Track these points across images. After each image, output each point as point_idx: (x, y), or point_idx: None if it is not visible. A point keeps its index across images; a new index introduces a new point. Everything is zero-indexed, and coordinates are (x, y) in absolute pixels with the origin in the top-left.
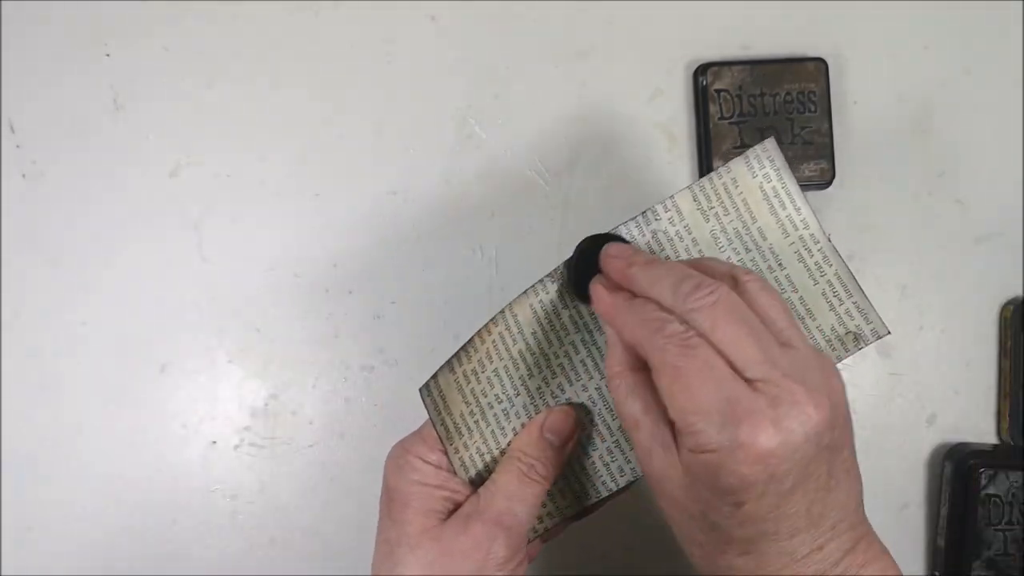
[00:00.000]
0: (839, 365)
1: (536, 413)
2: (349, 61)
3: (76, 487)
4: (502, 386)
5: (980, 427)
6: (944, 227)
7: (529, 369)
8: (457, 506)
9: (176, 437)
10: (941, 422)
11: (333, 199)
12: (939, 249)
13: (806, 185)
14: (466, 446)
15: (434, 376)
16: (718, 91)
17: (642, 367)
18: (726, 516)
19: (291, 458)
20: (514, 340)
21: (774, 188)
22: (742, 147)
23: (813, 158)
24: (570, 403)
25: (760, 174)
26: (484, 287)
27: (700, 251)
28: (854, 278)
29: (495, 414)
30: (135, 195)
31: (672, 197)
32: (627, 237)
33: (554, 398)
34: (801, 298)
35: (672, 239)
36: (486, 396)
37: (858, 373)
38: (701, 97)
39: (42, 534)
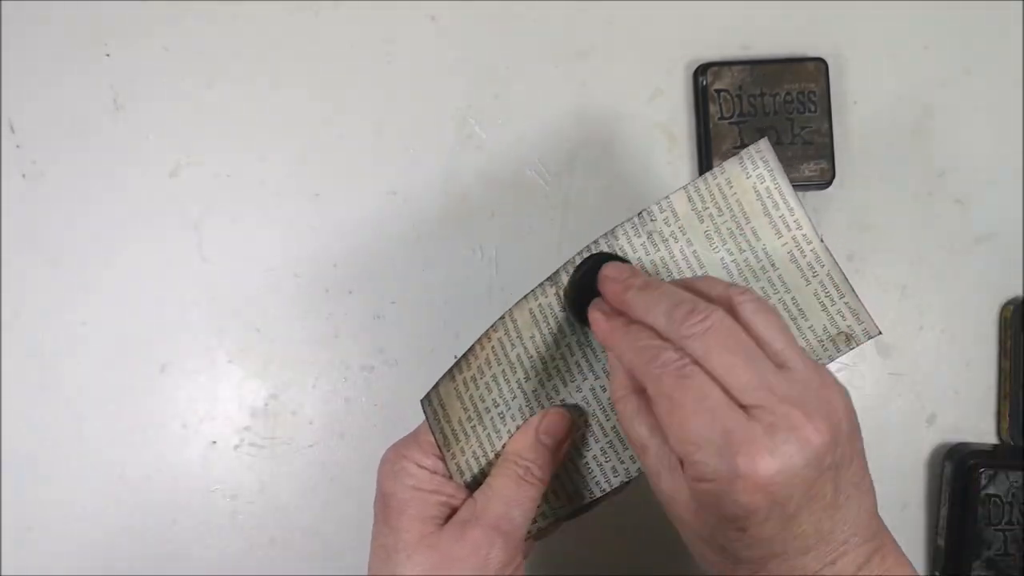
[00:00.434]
0: (834, 364)
1: (531, 415)
2: (349, 61)
3: (76, 487)
4: (499, 390)
5: (980, 427)
6: (944, 227)
7: (526, 372)
8: (453, 511)
9: (176, 437)
10: (941, 422)
11: (333, 199)
12: (939, 249)
13: (806, 185)
14: (462, 451)
15: (435, 386)
16: (718, 91)
17: (643, 388)
18: (732, 540)
19: (291, 458)
20: (512, 344)
21: (767, 189)
22: (742, 147)
23: (813, 158)
24: (564, 404)
25: (754, 175)
26: (484, 287)
27: (695, 251)
28: (846, 279)
29: (491, 418)
30: (135, 195)
31: (667, 198)
32: (623, 239)
33: (549, 400)
34: (793, 298)
35: (667, 239)
36: (484, 401)
37: (858, 373)
38: (701, 97)
39: (42, 534)
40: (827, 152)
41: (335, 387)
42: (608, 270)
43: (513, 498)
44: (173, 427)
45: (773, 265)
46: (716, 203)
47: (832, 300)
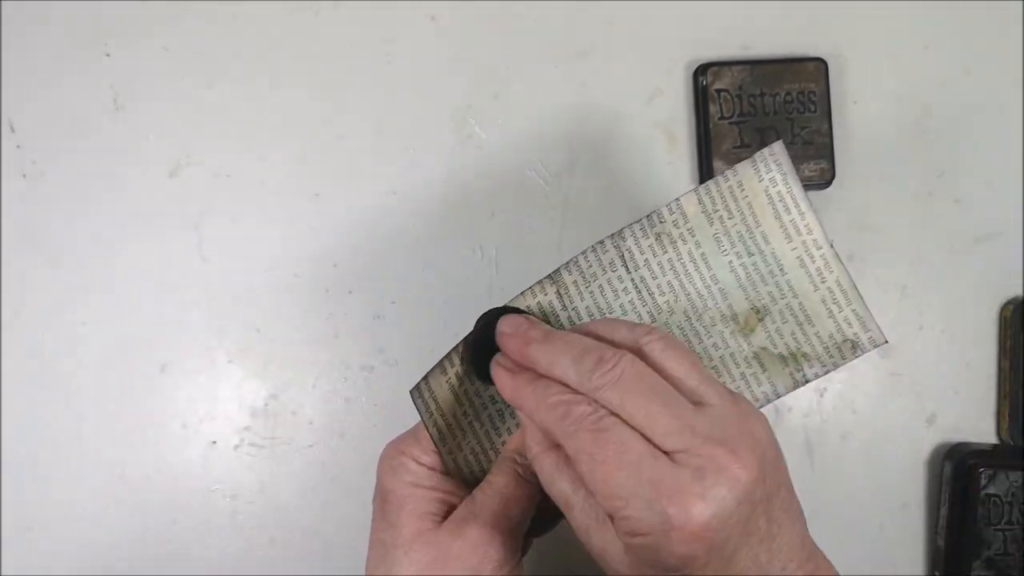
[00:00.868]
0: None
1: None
2: (349, 61)
3: (76, 487)
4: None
5: (980, 427)
6: (944, 227)
7: None
8: (452, 508)
9: (176, 437)
10: (941, 422)
11: (333, 199)
12: (939, 249)
13: (806, 185)
14: (460, 447)
15: (424, 378)
16: (718, 91)
17: (558, 444)
18: None
19: (291, 458)
20: None
21: (779, 193)
22: (742, 147)
23: (813, 158)
24: None
25: (767, 178)
26: (484, 287)
27: (703, 254)
28: (855, 286)
29: (489, 414)
30: (135, 195)
31: (678, 199)
32: (630, 240)
33: None
34: (800, 304)
35: (675, 241)
36: (480, 396)
37: (858, 373)
38: (701, 97)
39: (42, 534)
40: (827, 152)
41: (335, 387)
42: (504, 325)
43: (512, 496)
44: (173, 427)
45: (782, 270)
46: (727, 206)
47: (839, 307)
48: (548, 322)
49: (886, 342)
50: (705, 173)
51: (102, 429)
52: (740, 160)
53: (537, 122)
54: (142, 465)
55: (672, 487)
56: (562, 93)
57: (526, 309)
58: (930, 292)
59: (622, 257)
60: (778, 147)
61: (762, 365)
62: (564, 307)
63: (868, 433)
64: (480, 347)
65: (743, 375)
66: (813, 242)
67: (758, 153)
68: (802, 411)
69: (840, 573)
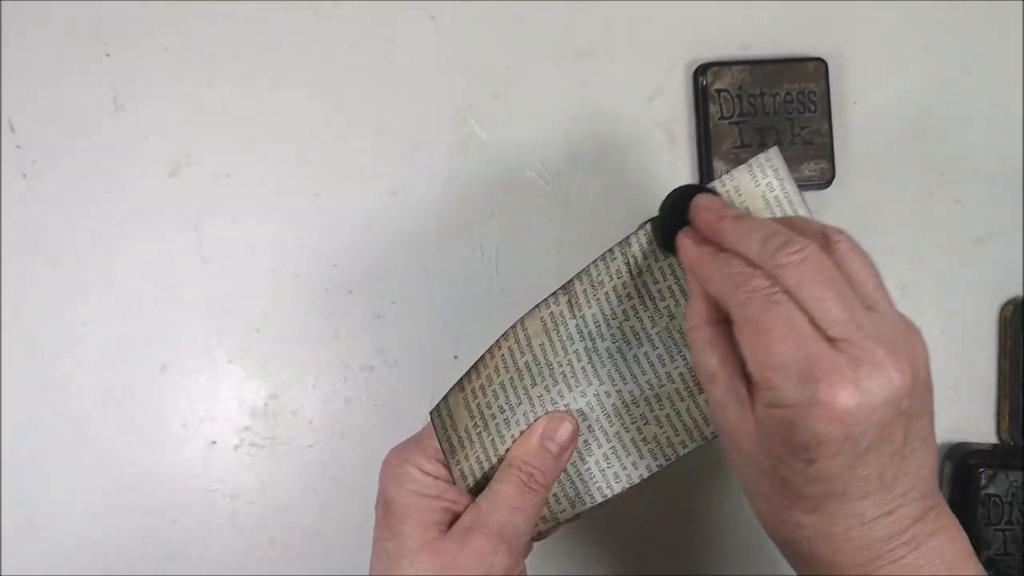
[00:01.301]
0: None
1: (534, 419)
2: (349, 61)
3: (76, 487)
4: (506, 397)
5: (980, 427)
6: (944, 227)
7: (532, 379)
8: (456, 516)
9: (176, 437)
10: (941, 422)
11: (333, 199)
12: (939, 249)
13: (806, 185)
14: (467, 457)
15: (444, 397)
16: (718, 91)
17: (719, 320)
18: (796, 472)
19: (291, 458)
20: (522, 352)
21: (777, 197)
22: (742, 147)
23: (813, 158)
24: (568, 408)
25: (763, 183)
26: (484, 287)
27: None
28: None
29: (497, 424)
30: (135, 195)
31: None
32: (636, 246)
33: (553, 404)
34: None
35: None
36: (490, 408)
37: None
38: (701, 97)
39: (42, 534)
40: (827, 152)
41: (335, 387)
42: (701, 200)
43: (517, 505)
44: (173, 427)
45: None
46: None
47: None
48: (557, 331)
49: None
50: (705, 173)
51: (102, 429)
52: (740, 160)
53: (537, 122)
54: (142, 465)
55: (827, 366)
56: (562, 93)
57: (540, 322)
58: (930, 292)
59: (628, 264)
60: (773, 152)
61: None
62: (573, 315)
63: None
64: (671, 220)
65: None
66: None
67: (754, 158)
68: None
69: None
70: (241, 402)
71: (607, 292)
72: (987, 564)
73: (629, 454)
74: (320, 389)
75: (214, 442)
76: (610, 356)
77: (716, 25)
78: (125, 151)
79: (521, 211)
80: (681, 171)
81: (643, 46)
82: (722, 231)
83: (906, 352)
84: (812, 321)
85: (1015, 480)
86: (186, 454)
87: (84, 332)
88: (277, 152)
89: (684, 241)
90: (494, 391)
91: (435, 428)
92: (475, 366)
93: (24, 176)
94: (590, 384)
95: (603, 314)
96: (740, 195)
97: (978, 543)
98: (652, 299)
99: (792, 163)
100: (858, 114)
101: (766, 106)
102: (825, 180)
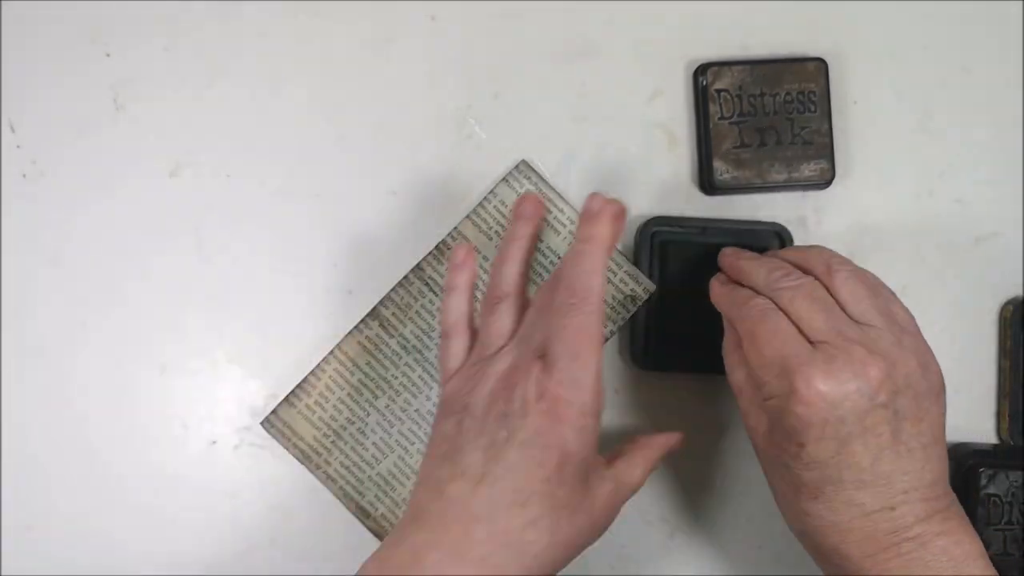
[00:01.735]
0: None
1: (390, 428)
2: (349, 61)
3: (76, 487)
4: (351, 411)
5: (980, 427)
6: (944, 227)
7: (373, 393)
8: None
9: (176, 437)
10: None
11: (333, 199)
12: (939, 249)
13: (806, 185)
14: (327, 462)
15: (274, 411)
16: (718, 91)
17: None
18: (793, 456)
19: (291, 458)
20: (351, 372)
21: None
22: (742, 147)
23: (813, 158)
24: (419, 413)
25: (522, 191)
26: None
27: (492, 265)
28: (620, 252)
29: (351, 433)
30: (135, 195)
31: (456, 228)
32: (429, 269)
33: (403, 411)
34: None
35: None
36: (336, 420)
37: None
38: (701, 97)
39: (42, 534)
40: (827, 152)
41: None
42: (727, 251)
43: (630, 490)
44: (173, 427)
45: (560, 258)
46: (498, 221)
47: (614, 272)
48: (379, 351)
49: (655, 287)
50: (705, 173)
51: (102, 429)
52: (740, 160)
53: (537, 122)
54: (142, 465)
55: (803, 361)
56: (562, 93)
57: (359, 345)
58: (930, 292)
59: (427, 284)
60: (523, 165)
61: None
62: (391, 335)
63: None
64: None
65: None
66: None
67: (508, 173)
68: None
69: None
70: (241, 402)
71: (417, 311)
72: None
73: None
74: None
75: (214, 442)
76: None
77: (716, 25)
78: (125, 151)
79: None
80: (681, 171)
81: (643, 46)
82: (740, 268)
83: (889, 354)
84: (799, 330)
85: (1015, 480)
86: (186, 454)
87: (84, 332)
88: (277, 152)
89: (713, 283)
90: (334, 406)
91: (274, 438)
92: (300, 386)
93: (24, 176)
94: (431, 388)
95: (421, 329)
96: (506, 206)
97: None
98: None
99: (792, 163)
100: (858, 114)
101: (766, 106)
102: (825, 180)
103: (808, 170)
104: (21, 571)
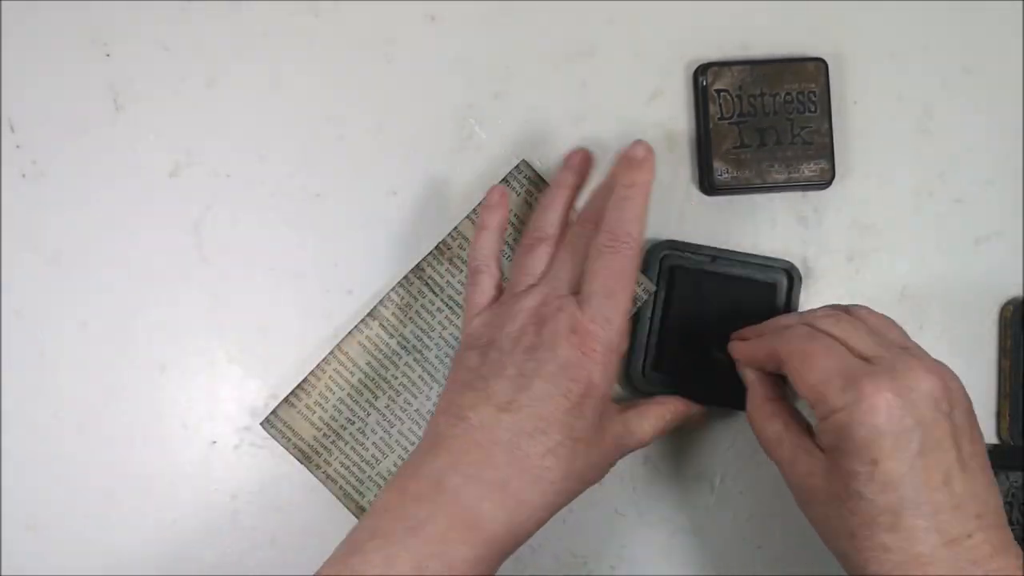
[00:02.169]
0: None
1: (390, 428)
2: (349, 61)
3: (76, 487)
4: (351, 410)
5: (980, 427)
6: (944, 227)
7: (373, 393)
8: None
9: (176, 437)
10: None
11: (333, 199)
12: (939, 249)
13: (806, 185)
14: (328, 462)
15: (274, 411)
16: (718, 91)
17: (776, 397)
18: (865, 480)
19: (291, 458)
20: (351, 372)
21: (532, 200)
22: (742, 147)
23: (813, 158)
24: (419, 412)
25: (523, 191)
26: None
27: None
28: None
29: (351, 433)
30: (135, 195)
31: (456, 227)
32: (429, 270)
33: (403, 411)
34: None
35: (466, 260)
36: (336, 420)
37: None
38: (701, 97)
39: (42, 534)
40: (827, 152)
41: None
42: (736, 343)
43: (632, 444)
44: (173, 427)
45: None
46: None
47: None
48: (379, 350)
49: (656, 288)
50: (705, 173)
51: (102, 429)
52: (740, 161)
53: (537, 122)
54: (142, 465)
55: (865, 372)
56: (562, 93)
57: (359, 344)
58: (930, 292)
59: (427, 284)
60: (523, 164)
61: None
62: (391, 335)
63: None
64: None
65: None
66: None
67: (508, 173)
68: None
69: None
70: (241, 402)
71: (417, 311)
72: None
73: None
74: None
75: (214, 442)
76: (440, 361)
77: (716, 25)
78: (125, 151)
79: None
80: (681, 171)
81: (643, 46)
82: (762, 327)
83: (937, 368)
84: (848, 348)
85: (1015, 480)
86: (186, 454)
87: (84, 332)
88: (277, 152)
89: (735, 344)
90: (334, 406)
91: (274, 437)
92: (300, 386)
93: (24, 176)
94: (431, 388)
95: (420, 329)
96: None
97: None
98: (461, 307)
99: (792, 163)
100: (858, 114)
101: (766, 106)
102: (825, 180)
103: (808, 170)
104: (21, 571)
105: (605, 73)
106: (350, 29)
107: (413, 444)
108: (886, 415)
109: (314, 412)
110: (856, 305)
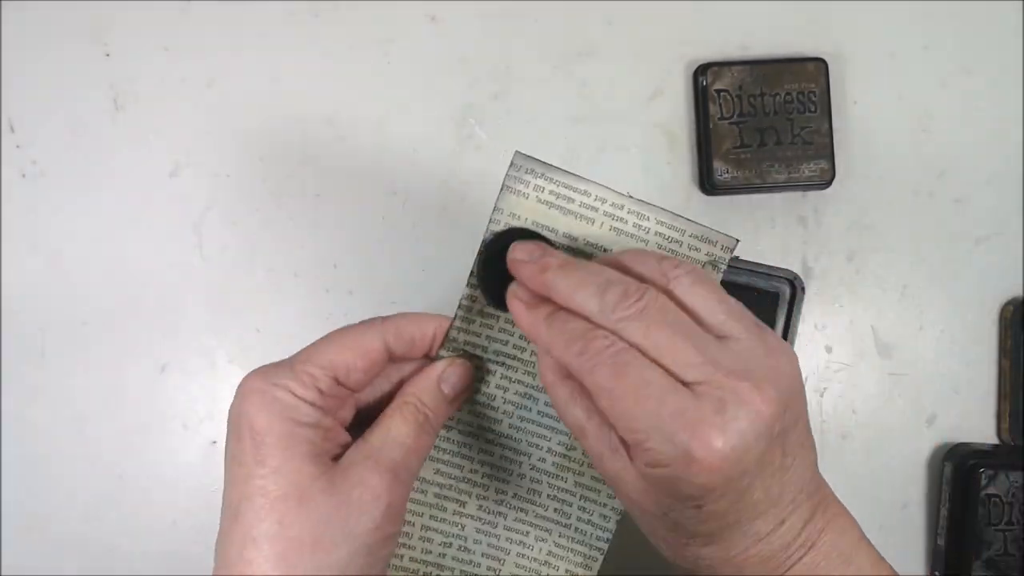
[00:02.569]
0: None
1: (493, 529)
2: (349, 61)
3: (76, 487)
4: (441, 532)
5: (980, 427)
6: (944, 227)
7: (456, 501)
8: (337, 448)
9: (176, 437)
10: (941, 422)
11: (333, 199)
12: (939, 249)
13: (806, 185)
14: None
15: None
16: (718, 91)
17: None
18: (688, 517)
19: None
20: (423, 492)
21: (552, 192)
22: (742, 147)
23: (813, 158)
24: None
25: (528, 191)
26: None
27: None
28: (676, 214)
29: (453, 557)
30: (135, 195)
31: (472, 270)
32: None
33: (499, 503)
34: None
35: None
36: (430, 552)
37: (858, 373)
38: (701, 97)
39: (42, 534)
40: (827, 152)
41: None
42: (517, 252)
43: (413, 446)
44: (173, 427)
45: (604, 250)
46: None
47: (678, 242)
48: (443, 451)
49: (738, 241)
50: (705, 173)
51: (102, 429)
52: (740, 161)
53: (537, 122)
54: (142, 465)
55: (693, 419)
56: (562, 93)
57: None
58: (930, 292)
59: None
60: (517, 158)
61: None
62: (448, 427)
63: (868, 433)
64: (493, 272)
65: None
66: (613, 206)
67: (505, 176)
68: None
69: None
70: None
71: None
72: (987, 564)
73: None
74: None
75: (214, 442)
76: (517, 429)
77: (716, 25)
78: (125, 151)
79: None
80: (681, 171)
81: (643, 46)
82: (551, 285)
83: (770, 376)
84: (666, 371)
85: (1015, 480)
86: (186, 454)
87: (84, 332)
88: (277, 152)
89: (515, 305)
90: (420, 537)
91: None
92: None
93: (24, 176)
94: (521, 463)
95: (479, 403)
96: (518, 219)
97: (978, 543)
98: (511, 357)
99: (792, 163)
100: (858, 114)
101: (766, 106)
102: (825, 180)
103: (808, 170)
104: (21, 571)
105: (605, 73)
106: (350, 29)
107: (526, 534)
108: (719, 473)
109: (402, 559)
110: (677, 267)
